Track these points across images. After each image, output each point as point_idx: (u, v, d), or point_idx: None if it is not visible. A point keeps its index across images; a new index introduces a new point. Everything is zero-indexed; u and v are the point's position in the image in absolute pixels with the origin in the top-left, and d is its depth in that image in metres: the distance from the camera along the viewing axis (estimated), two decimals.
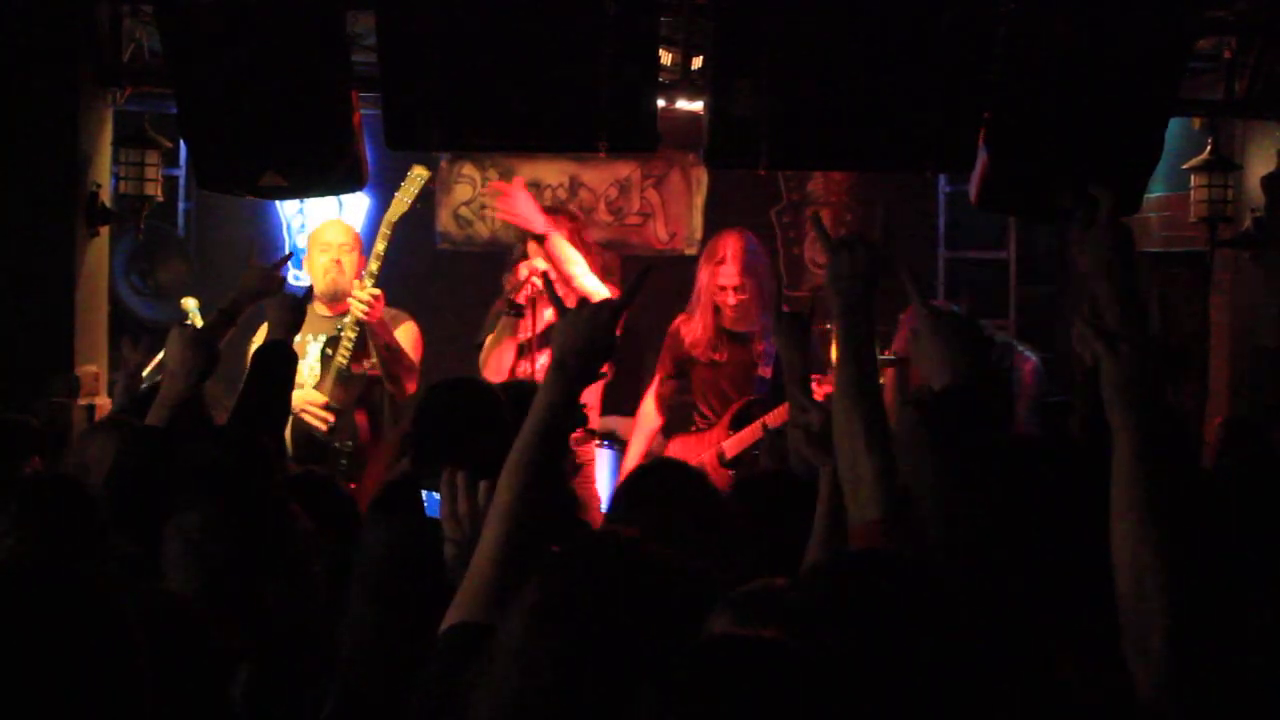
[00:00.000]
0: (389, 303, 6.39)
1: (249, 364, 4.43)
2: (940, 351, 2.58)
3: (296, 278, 7.60)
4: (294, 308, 4.55)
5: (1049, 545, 2.52)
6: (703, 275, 6.43)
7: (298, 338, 6.38)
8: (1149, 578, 2.26)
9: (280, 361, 4.35)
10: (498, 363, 6.42)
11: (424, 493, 2.97)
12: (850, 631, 2.02)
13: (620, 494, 3.27)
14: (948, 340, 2.59)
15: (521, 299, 6.30)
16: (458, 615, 2.45)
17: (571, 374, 2.65)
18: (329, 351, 6.27)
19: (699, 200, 8.21)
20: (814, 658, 1.88)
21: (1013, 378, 6.64)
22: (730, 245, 6.36)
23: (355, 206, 8.20)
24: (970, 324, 2.63)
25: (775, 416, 5.99)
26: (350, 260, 6.44)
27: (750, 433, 6.19)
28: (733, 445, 6.26)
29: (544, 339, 6.17)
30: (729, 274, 6.31)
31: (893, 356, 5.89)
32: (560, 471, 2.71)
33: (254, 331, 6.33)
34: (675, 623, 2.07)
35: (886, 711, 1.96)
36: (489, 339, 6.45)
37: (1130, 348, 2.39)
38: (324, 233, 6.59)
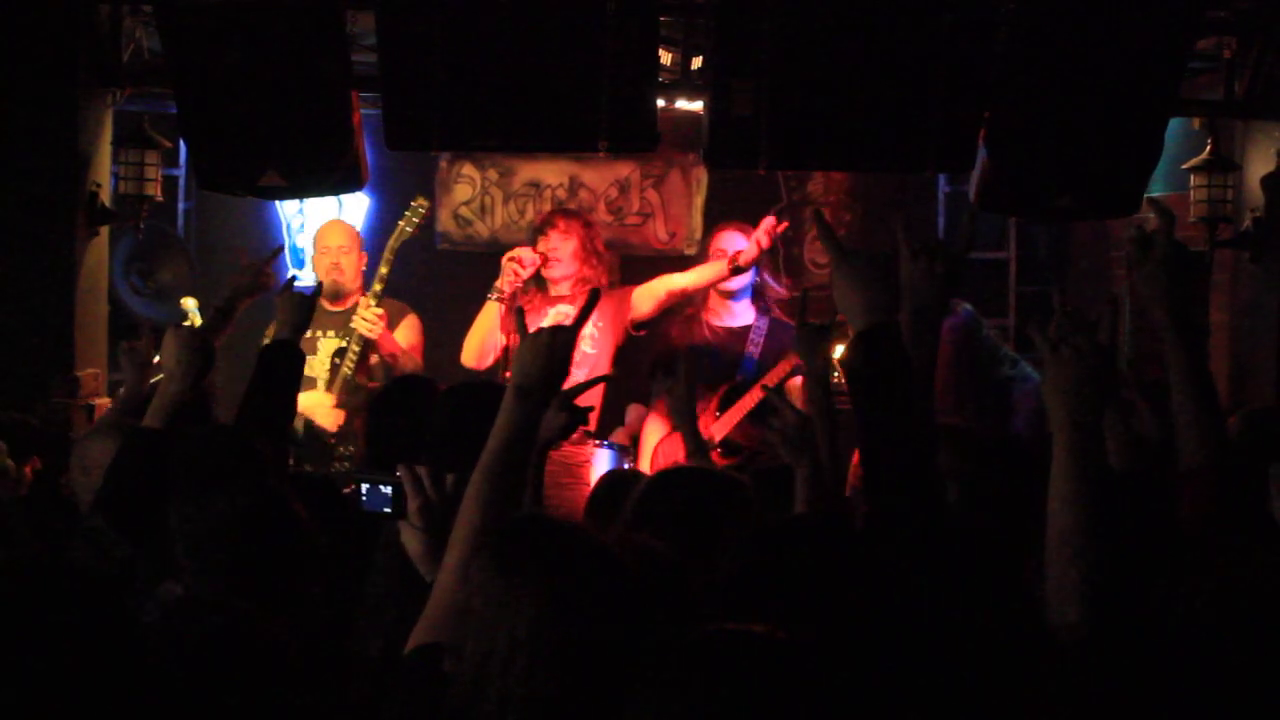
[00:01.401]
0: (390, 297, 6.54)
1: (256, 363, 4.43)
2: (856, 294, 2.65)
3: (297, 278, 7.59)
4: (301, 306, 4.54)
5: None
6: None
7: (306, 333, 6.54)
8: (1069, 574, 2.35)
9: (286, 360, 4.35)
10: (480, 348, 6.48)
11: (363, 485, 2.97)
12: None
13: (636, 502, 3.26)
14: (862, 282, 2.66)
15: (504, 286, 6.37)
16: (427, 635, 2.46)
17: (533, 399, 2.72)
18: (337, 361, 6.55)
19: (699, 200, 8.20)
20: (802, 650, 1.91)
21: (1014, 388, 6.66)
22: (726, 237, 6.61)
23: (355, 206, 8.20)
24: (883, 263, 2.69)
25: (754, 397, 6.25)
26: (349, 261, 6.71)
27: (735, 412, 6.32)
28: (720, 428, 6.38)
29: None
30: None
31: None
32: (523, 492, 2.75)
33: (263, 331, 6.42)
34: (670, 612, 2.11)
35: (873, 696, 2.00)
36: (474, 325, 6.55)
37: (1071, 352, 2.45)
38: (324, 235, 6.85)
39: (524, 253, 6.43)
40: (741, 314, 6.64)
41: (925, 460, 2.59)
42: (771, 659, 1.88)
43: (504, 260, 6.43)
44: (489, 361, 6.46)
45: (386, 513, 2.91)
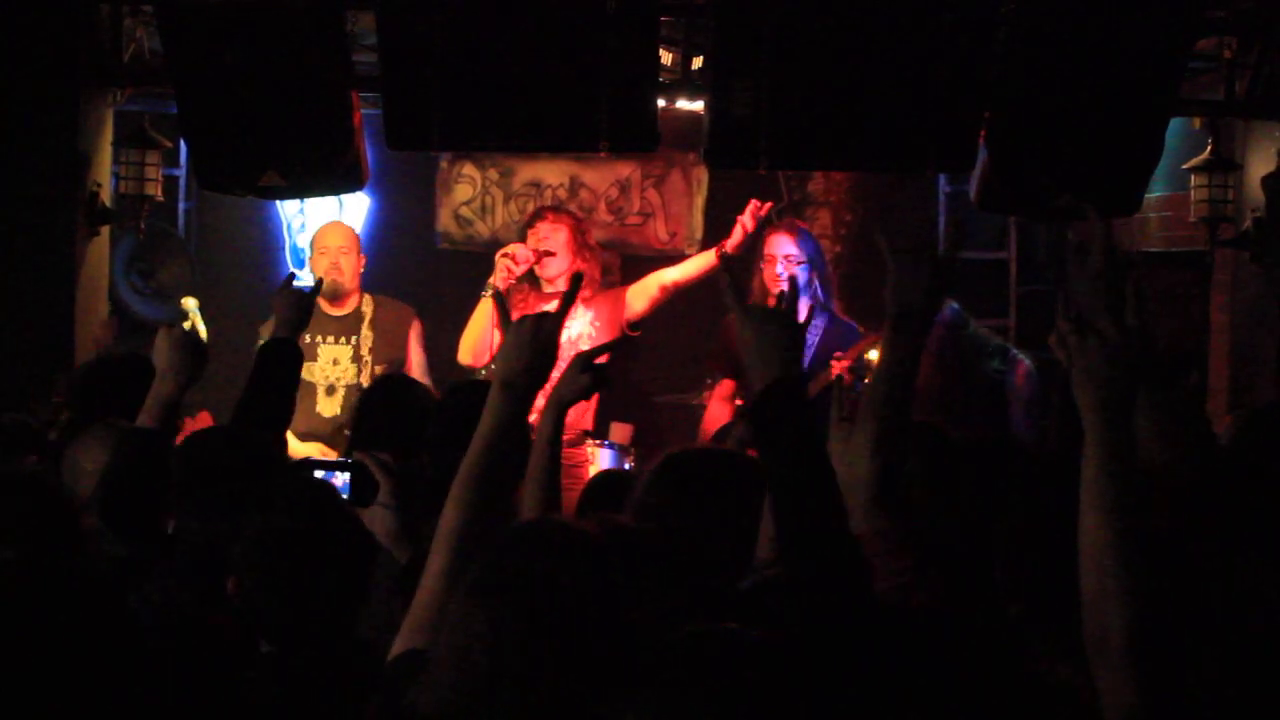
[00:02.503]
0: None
1: (254, 362, 4.42)
2: (756, 351, 2.62)
3: (296, 275, 7.58)
4: (299, 305, 4.53)
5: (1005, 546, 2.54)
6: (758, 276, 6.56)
7: (305, 338, 6.49)
8: (1110, 579, 2.25)
9: (285, 359, 4.34)
10: (476, 345, 6.45)
11: (317, 474, 2.97)
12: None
13: (648, 483, 3.21)
14: (762, 339, 2.63)
15: (498, 282, 6.36)
16: (409, 641, 2.42)
17: (518, 393, 2.65)
18: (347, 433, 6.38)
19: (699, 200, 8.19)
20: (791, 652, 1.90)
21: (1006, 381, 6.65)
22: (776, 241, 6.46)
23: (355, 206, 8.20)
24: (784, 318, 2.67)
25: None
26: (348, 262, 6.64)
27: None
28: None
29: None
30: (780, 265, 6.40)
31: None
32: (510, 493, 2.72)
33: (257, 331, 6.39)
34: (660, 600, 2.11)
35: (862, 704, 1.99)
36: (469, 322, 6.51)
37: (1101, 339, 2.37)
38: (323, 236, 6.76)
39: (517, 249, 6.45)
40: (799, 314, 6.47)
41: (838, 515, 2.53)
42: (761, 660, 1.88)
43: (497, 256, 6.44)
44: (485, 359, 6.45)
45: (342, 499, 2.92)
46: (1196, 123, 6.90)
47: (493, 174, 8.24)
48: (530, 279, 6.54)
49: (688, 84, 6.35)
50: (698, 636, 1.95)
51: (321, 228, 6.92)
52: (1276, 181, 6.61)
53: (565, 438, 6.20)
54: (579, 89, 5.68)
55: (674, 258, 7.94)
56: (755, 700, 1.84)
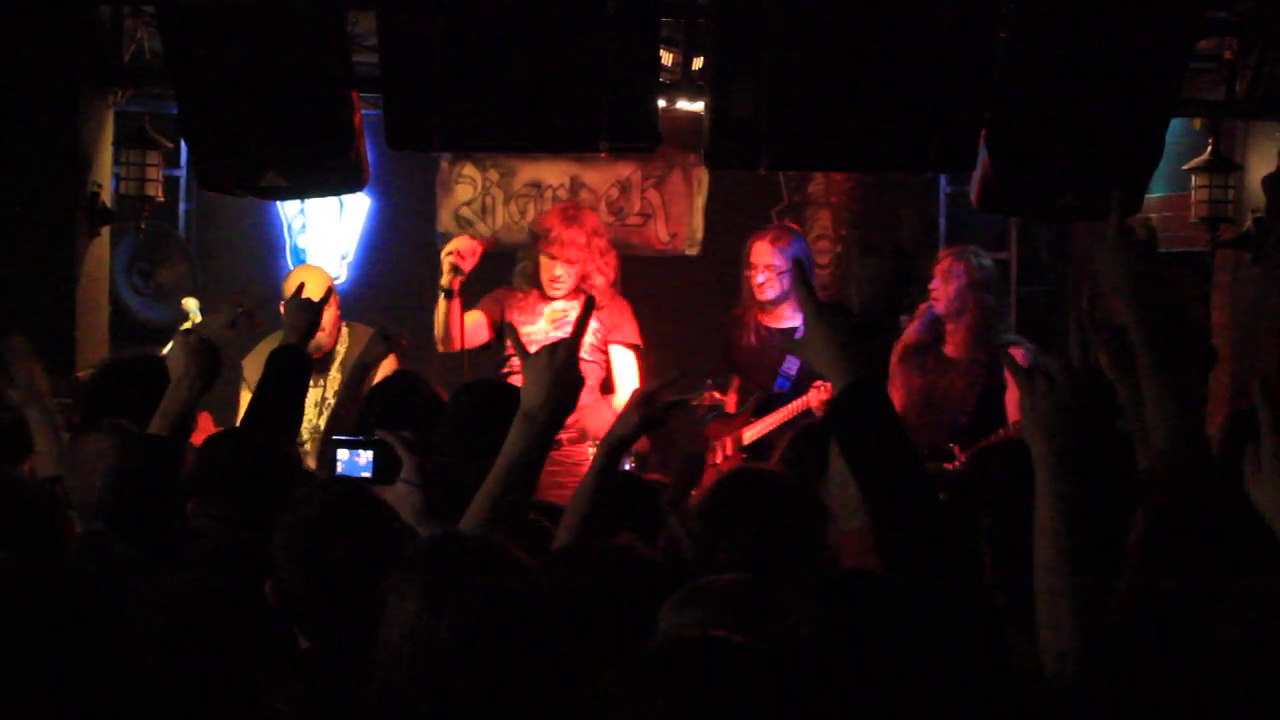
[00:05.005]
0: (385, 302, 6.37)
1: (264, 368, 4.43)
2: (832, 350, 2.65)
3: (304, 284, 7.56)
4: (308, 309, 4.54)
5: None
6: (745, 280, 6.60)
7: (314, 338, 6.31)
8: (1060, 601, 2.31)
9: (293, 366, 4.35)
10: (443, 342, 6.22)
11: (340, 451, 2.99)
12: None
13: (705, 509, 3.21)
14: (837, 338, 2.66)
15: (446, 282, 6.10)
16: None
17: (539, 424, 2.73)
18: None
19: (700, 201, 8.20)
20: (769, 656, 1.92)
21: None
22: (759, 249, 6.46)
23: (356, 207, 8.21)
24: (851, 319, 2.71)
25: (791, 410, 6.26)
26: (329, 316, 5.98)
27: (768, 424, 6.38)
28: (753, 433, 6.43)
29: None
30: (762, 274, 6.44)
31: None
32: (524, 512, 2.76)
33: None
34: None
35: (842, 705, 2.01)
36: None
37: (1044, 381, 2.44)
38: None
39: (460, 243, 6.16)
40: (789, 317, 6.49)
41: (932, 501, 2.53)
42: (735, 665, 1.90)
43: (442, 255, 6.16)
44: (457, 345, 6.25)
45: (366, 477, 2.93)
46: (1197, 123, 6.90)
47: (493, 174, 8.25)
48: (532, 280, 6.44)
49: (688, 84, 6.35)
50: (675, 644, 1.98)
51: (293, 277, 6.26)
52: (1277, 182, 6.61)
53: (566, 435, 6.18)
54: (579, 89, 5.69)
55: (674, 258, 7.96)
56: (737, 704, 1.85)
